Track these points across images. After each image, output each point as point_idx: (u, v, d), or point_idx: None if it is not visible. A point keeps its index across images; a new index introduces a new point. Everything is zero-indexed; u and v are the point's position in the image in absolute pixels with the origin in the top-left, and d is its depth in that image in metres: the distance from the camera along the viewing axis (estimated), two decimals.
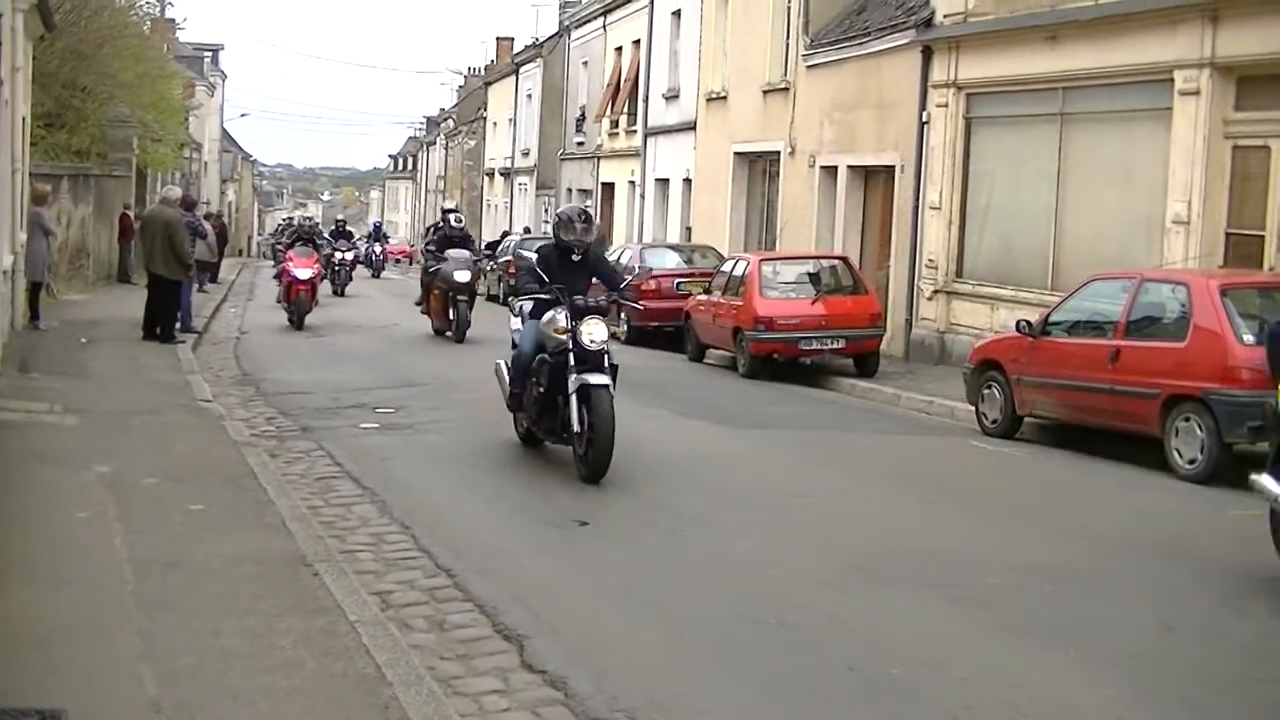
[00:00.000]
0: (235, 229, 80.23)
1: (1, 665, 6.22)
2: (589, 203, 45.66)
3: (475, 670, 6.85)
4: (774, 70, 29.89)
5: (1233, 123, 16.94)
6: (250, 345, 22.99)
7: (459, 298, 24.29)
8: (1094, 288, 15.16)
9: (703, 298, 23.36)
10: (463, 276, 23.99)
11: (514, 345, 13.17)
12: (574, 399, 11.69)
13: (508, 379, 13.09)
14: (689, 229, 34.53)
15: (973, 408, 16.13)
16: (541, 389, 12.28)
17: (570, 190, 48.83)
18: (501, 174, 63.01)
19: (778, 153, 29.39)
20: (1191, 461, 12.85)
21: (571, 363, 11.82)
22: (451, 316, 24.35)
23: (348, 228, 44.04)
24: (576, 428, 11.66)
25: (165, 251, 20.40)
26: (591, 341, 11.86)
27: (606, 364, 11.89)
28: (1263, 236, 16.39)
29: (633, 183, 40.42)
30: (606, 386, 11.67)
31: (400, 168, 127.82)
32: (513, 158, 59.83)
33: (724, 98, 32.68)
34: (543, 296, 12.41)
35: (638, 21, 40.32)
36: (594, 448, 11.52)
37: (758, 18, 30.70)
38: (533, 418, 12.72)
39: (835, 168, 26.55)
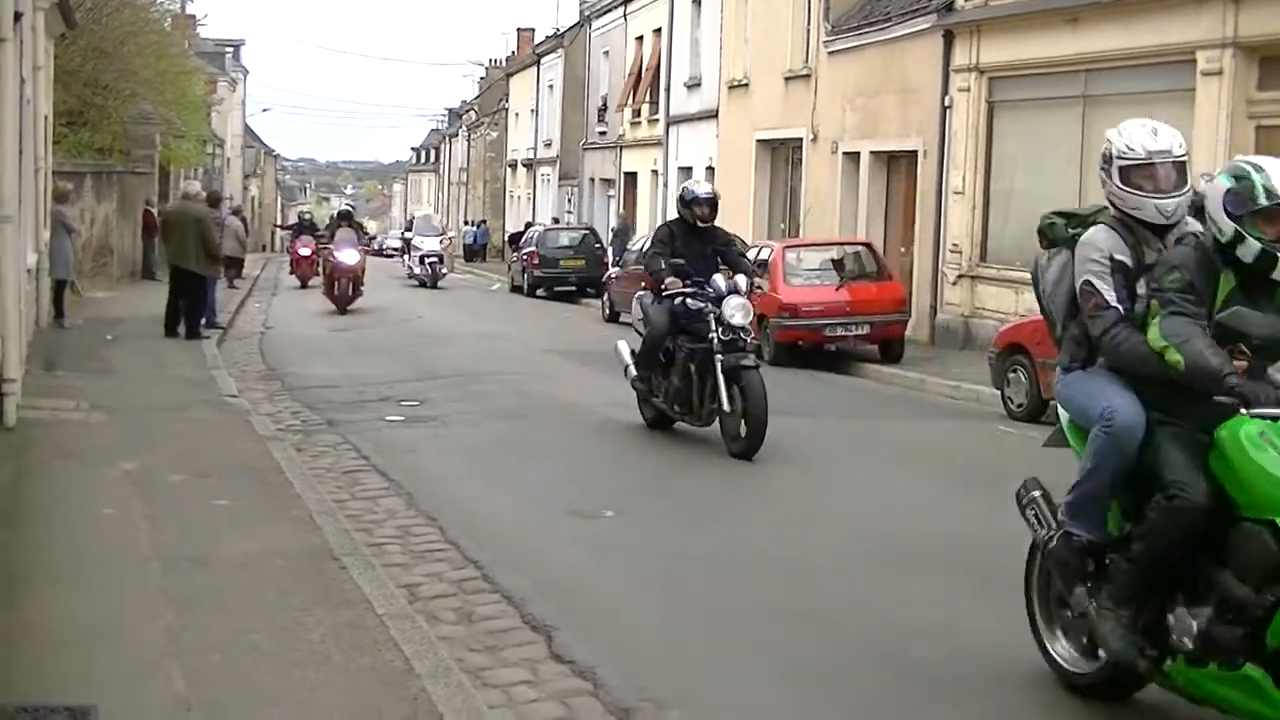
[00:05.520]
0: (259, 224, 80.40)
1: (30, 663, 6.24)
2: (612, 193, 45.62)
3: (504, 661, 6.84)
4: (795, 57, 29.84)
5: (1256, 102, 16.86)
6: (275, 340, 23.02)
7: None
8: None
9: None
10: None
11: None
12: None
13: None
14: None
15: (998, 392, 16.09)
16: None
17: (593, 180, 48.82)
18: (524, 165, 63.01)
19: (800, 139, 29.34)
20: None
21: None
22: None
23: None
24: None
25: (198, 247, 20.29)
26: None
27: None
28: None
29: (655, 172, 40.37)
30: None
31: (423, 160, 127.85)
32: (535, 149, 59.82)
33: (746, 85, 32.63)
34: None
35: (658, 10, 40.27)
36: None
37: (778, 4, 30.65)
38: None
39: (858, 153, 26.49)
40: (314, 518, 9.15)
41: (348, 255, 28.54)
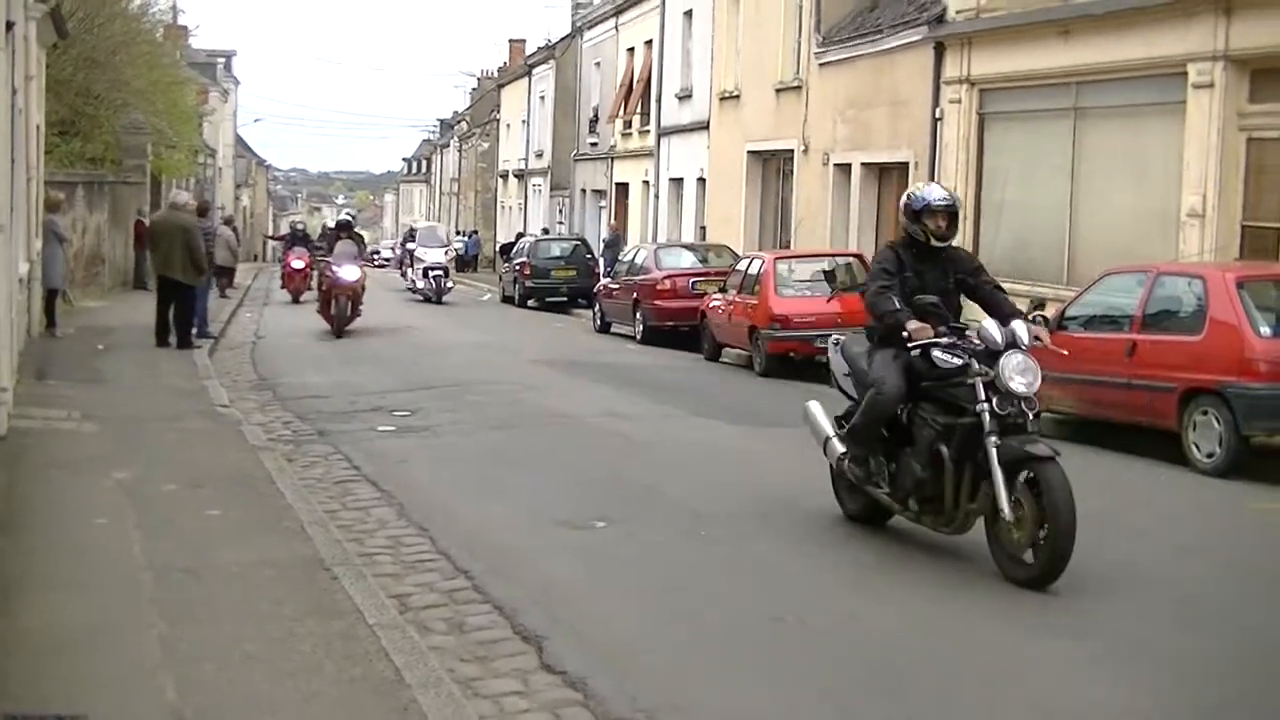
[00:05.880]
0: (250, 234, 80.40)
1: (23, 671, 6.24)
2: (603, 204, 45.62)
3: (495, 672, 6.85)
4: (786, 69, 29.90)
5: (1247, 115, 16.90)
6: (266, 350, 23.02)
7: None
8: (1109, 282, 15.12)
9: (718, 297, 23.36)
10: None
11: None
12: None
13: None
14: (703, 228, 34.53)
15: None
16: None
17: (584, 191, 48.85)
18: (515, 176, 63.05)
19: (791, 151, 29.39)
20: (1209, 455, 12.79)
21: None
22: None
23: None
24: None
25: (184, 257, 20.28)
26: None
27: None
28: (1278, 229, 16.35)
29: (647, 183, 40.41)
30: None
31: (414, 171, 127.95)
32: (526, 159, 59.86)
33: (737, 97, 32.68)
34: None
35: (650, 21, 40.33)
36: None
37: (769, 16, 30.71)
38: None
39: (849, 165, 26.54)
40: (305, 528, 9.16)
41: (348, 271, 25.71)
